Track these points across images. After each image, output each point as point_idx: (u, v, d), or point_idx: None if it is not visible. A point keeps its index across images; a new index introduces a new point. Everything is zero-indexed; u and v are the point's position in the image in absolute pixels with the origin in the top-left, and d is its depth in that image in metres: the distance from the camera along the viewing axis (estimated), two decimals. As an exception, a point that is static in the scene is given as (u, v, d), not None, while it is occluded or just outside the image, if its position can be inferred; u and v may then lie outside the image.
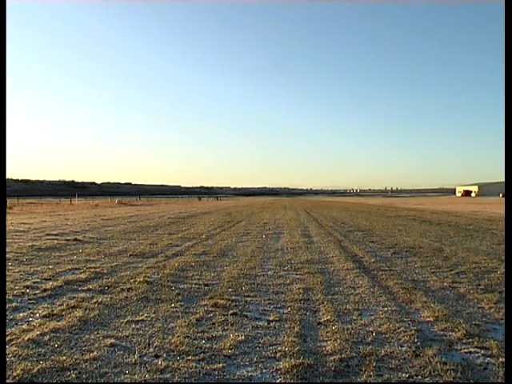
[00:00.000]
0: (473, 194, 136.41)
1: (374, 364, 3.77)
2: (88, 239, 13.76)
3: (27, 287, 6.81)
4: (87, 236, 14.70)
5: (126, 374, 3.61)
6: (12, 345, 4.23)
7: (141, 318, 5.16)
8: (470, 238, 13.56)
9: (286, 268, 8.61)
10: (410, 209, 38.91)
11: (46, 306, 5.77)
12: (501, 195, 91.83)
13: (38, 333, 4.57)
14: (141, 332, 4.68)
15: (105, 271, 8.24)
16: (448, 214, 28.84)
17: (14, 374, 3.56)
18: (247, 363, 3.87)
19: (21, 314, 5.36)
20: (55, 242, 12.93)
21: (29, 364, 3.75)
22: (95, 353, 4.04)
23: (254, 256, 10.17)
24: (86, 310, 5.50)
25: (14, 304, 5.84)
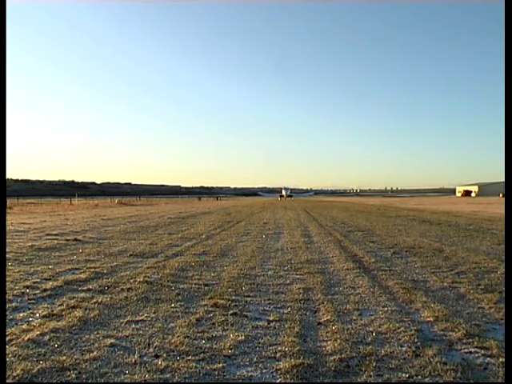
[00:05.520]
0: (473, 194, 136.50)
1: (374, 364, 3.77)
2: (88, 239, 13.77)
3: (27, 287, 6.81)
4: (87, 236, 14.70)
5: (125, 374, 3.61)
6: (12, 345, 4.23)
7: (141, 318, 5.16)
8: (470, 238, 13.56)
9: (286, 268, 8.61)
10: (409, 209, 38.92)
11: (45, 306, 5.77)
12: (501, 195, 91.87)
13: (38, 333, 4.57)
14: (141, 332, 4.68)
15: (105, 271, 8.24)
16: (448, 214, 28.85)
17: (14, 374, 3.57)
18: (247, 363, 3.87)
19: (21, 314, 5.36)
20: (55, 242, 12.93)
21: (29, 364, 3.75)
22: (95, 353, 4.04)
23: (254, 256, 10.17)
24: (85, 310, 5.50)
25: (14, 304, 5.84)
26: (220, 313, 5.41)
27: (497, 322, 4.96)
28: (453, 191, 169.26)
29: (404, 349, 4.14)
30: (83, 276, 7.72)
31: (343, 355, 3.98)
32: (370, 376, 3.56)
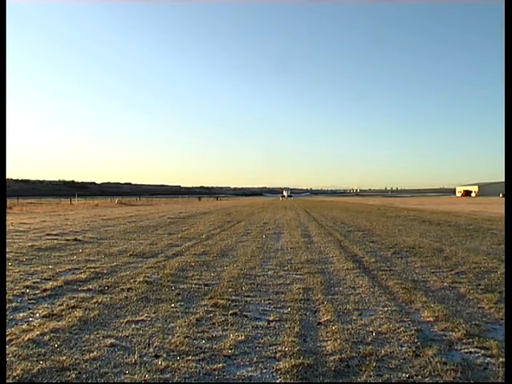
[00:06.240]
0: (473, 194, 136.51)
1: (374, 364, 3.77)
2: (88, 239, 13.77)
3: (27, 287, 6.81)
4: (87, 236, 14.70)
5: (125, 374, 3.61)
6: (12, 345, 4.23)
7: (141, 318, 5.16)
8: (470, 238, 13.56)
9: (285, 268, 8.61)
10: (409, 209, 38.91)
11: (45, 306, 5.77)
12: (501, 195, 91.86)
13: (38, 333, 4.57)
14: (141, 332, 4.68)
15: (105, 271, 8.24)
16: (448, 214, 28.84)
17: (14, 374, 3.56)
18: (247, 363, 3.87)
19: (21, 314, 5.36)
20: (55, 241, 12.92)
21: (29, 364, 3.75)
22: (95, 353, 4.04)
23: (254, 256, 10.17)
24: (85, 310, 5.50)
25: (14, 304, 5.84)
26: (220, 313, 5.41)
27: (497, 322, 4.96)
28: (453, 191, 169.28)
29: (404, 349, 4.14)
30: (83, 276, 7.72)
31: (343, 355, 3.98)
32: (370, 376, 3.56)
